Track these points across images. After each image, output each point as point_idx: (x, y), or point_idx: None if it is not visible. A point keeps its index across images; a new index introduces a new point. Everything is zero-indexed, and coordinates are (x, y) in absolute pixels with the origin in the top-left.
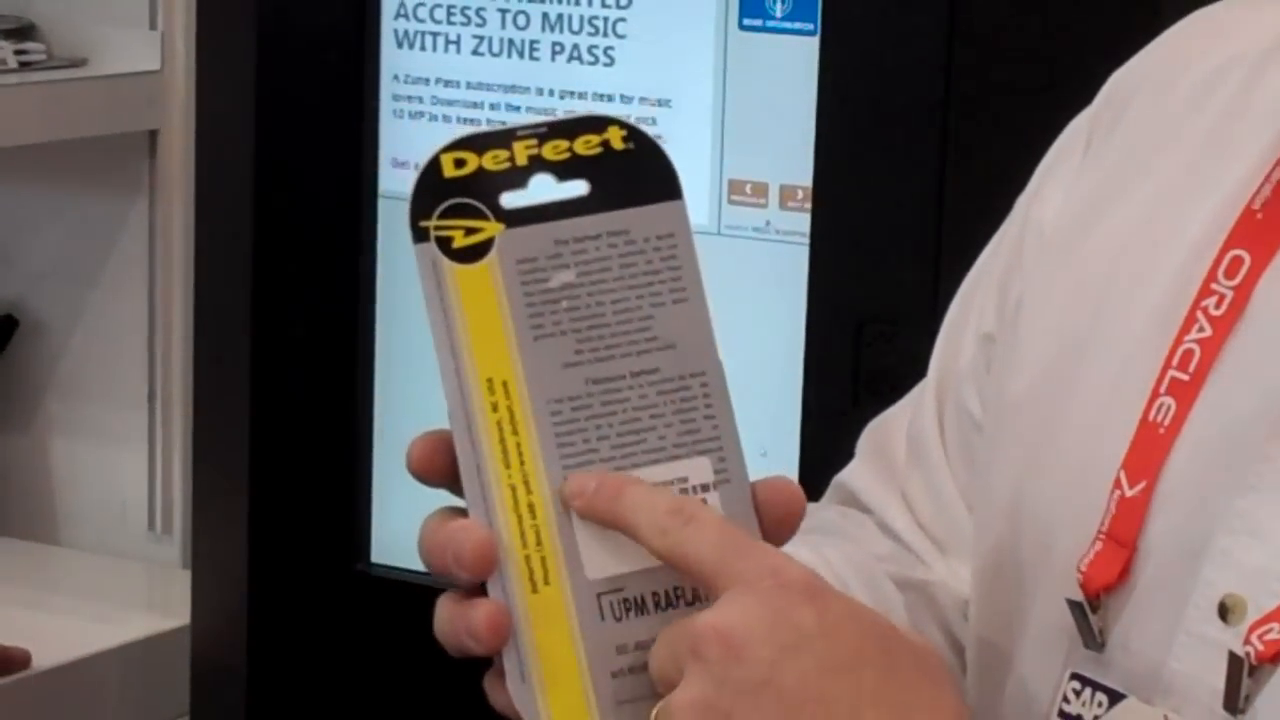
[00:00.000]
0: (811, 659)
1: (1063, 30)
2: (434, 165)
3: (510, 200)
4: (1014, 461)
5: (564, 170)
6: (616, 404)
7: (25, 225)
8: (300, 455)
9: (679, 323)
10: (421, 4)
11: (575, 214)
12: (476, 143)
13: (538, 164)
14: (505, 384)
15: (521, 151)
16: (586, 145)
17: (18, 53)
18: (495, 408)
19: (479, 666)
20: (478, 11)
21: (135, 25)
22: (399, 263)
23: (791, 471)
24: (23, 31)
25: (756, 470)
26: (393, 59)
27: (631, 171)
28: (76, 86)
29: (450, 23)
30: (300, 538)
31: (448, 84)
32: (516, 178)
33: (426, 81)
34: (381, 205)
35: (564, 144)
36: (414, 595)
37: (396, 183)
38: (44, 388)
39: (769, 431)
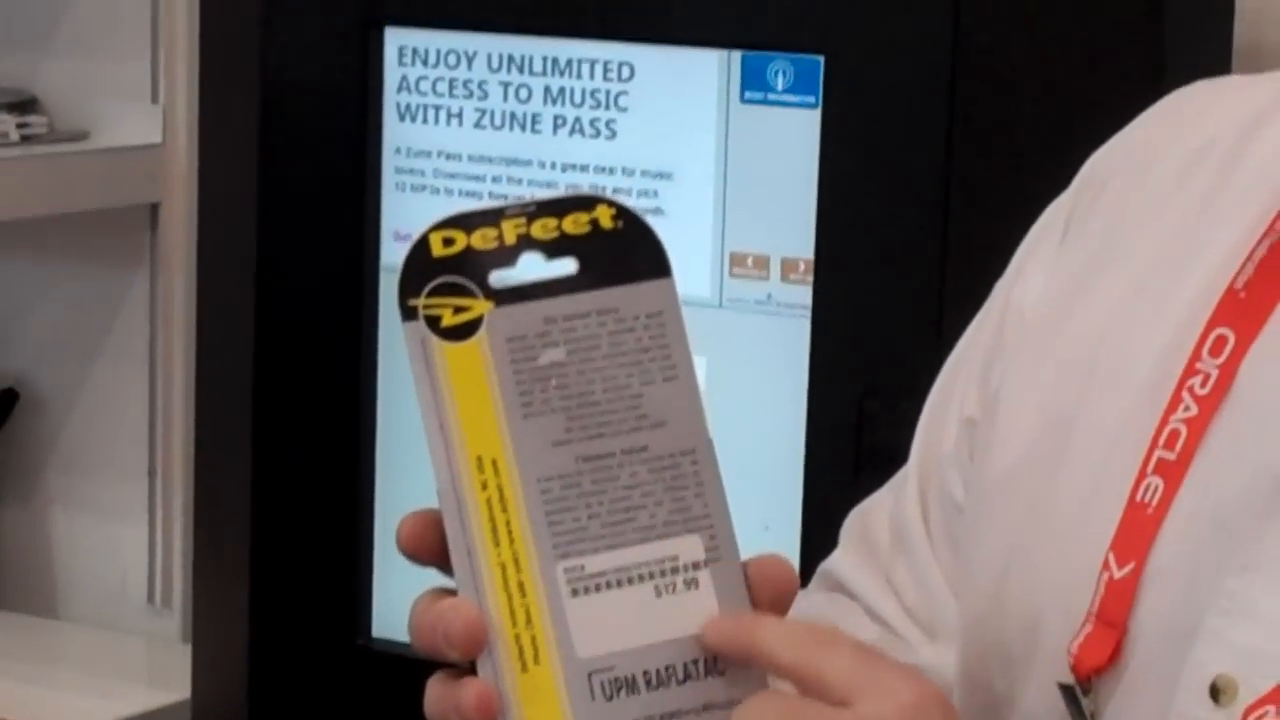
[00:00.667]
0: None
1: (1066, 109)
2: (423, 244)
3: (499, 279)
4: (998, 544)
5: (553, 249)
6: (607, 482)
7: (26, 298)
8: (301, 529)
9: (669, 400)
10: (424, 77)
11: (564, 292)
12: (465, 222)
13: (526, 242)
14: (495, 462)
15: (510, 230)
16: (575, 224)
17: (20, 126)
18: (485, 486)
19: None
20: (479, 85)
21: (137, 99)
22: (401, 337)
23: (794, 545)
24: (25, 105)
25: (759, 544)
26: (395, 132)
27: (620, 250)
28: (78, 160)
29: (452, 96)
30: (301, 612)
31: (450, 157)
32: (505, 256)
33: (429, 154)
34: (384, 278)
35: (553, 222)
36: (416, 671)
37: (399, 256)
38: (44, 461)
39: (771, 505)
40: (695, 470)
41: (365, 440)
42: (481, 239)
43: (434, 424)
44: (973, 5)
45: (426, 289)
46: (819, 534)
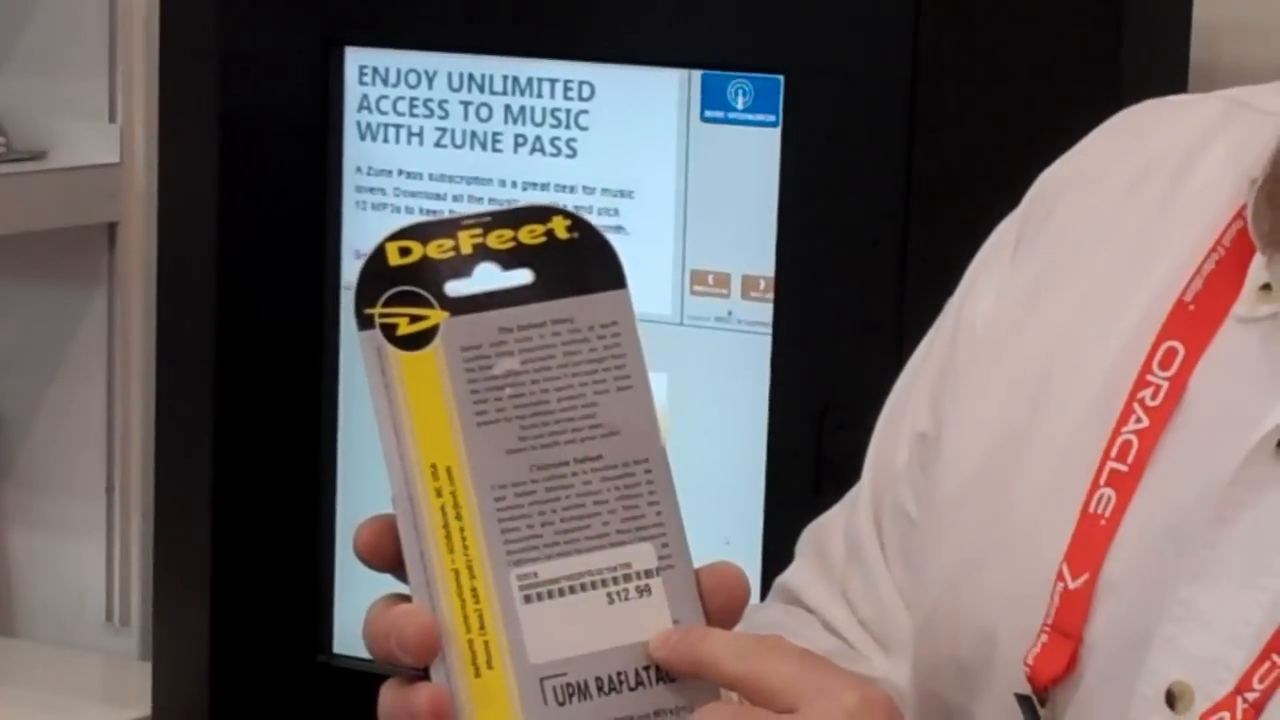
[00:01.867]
0: None
1: (1023, 127)
2: (379, 254)
3: (455, 288)
4: (952, 558)
5: (509, 259)
6: (560, 490)
7: None
8: (261, 546)
9: (623, 410)
10: (384, 96)
11: (519, 302)
12: (421, 232)
13: (483, 253)
14: (449, 470)
15: (466, 240)
16: (531, 234)
17: None
18: (439, 493)
19: None
20: (440, 104)
21: (95, 118)
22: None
23: (754, 559)
24: None
25: (720, 558)
26: (356, 151)
27: (576, 260)
28: (36, 179)
29: (413, 115)
30: (262, 629)
31: (411, 175)
32: (461, 266)
33: (389, 173)
34: (344, 296)
35: (509, 233)
36: (376, 686)
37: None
38: (1, 479)
39: (732, 519)
40: (648, 479)
41: (325, 457)
42: (438, 249)
43: (389, 431)
44: (931, 25)
45: (383, 298)
46: (779, 548)
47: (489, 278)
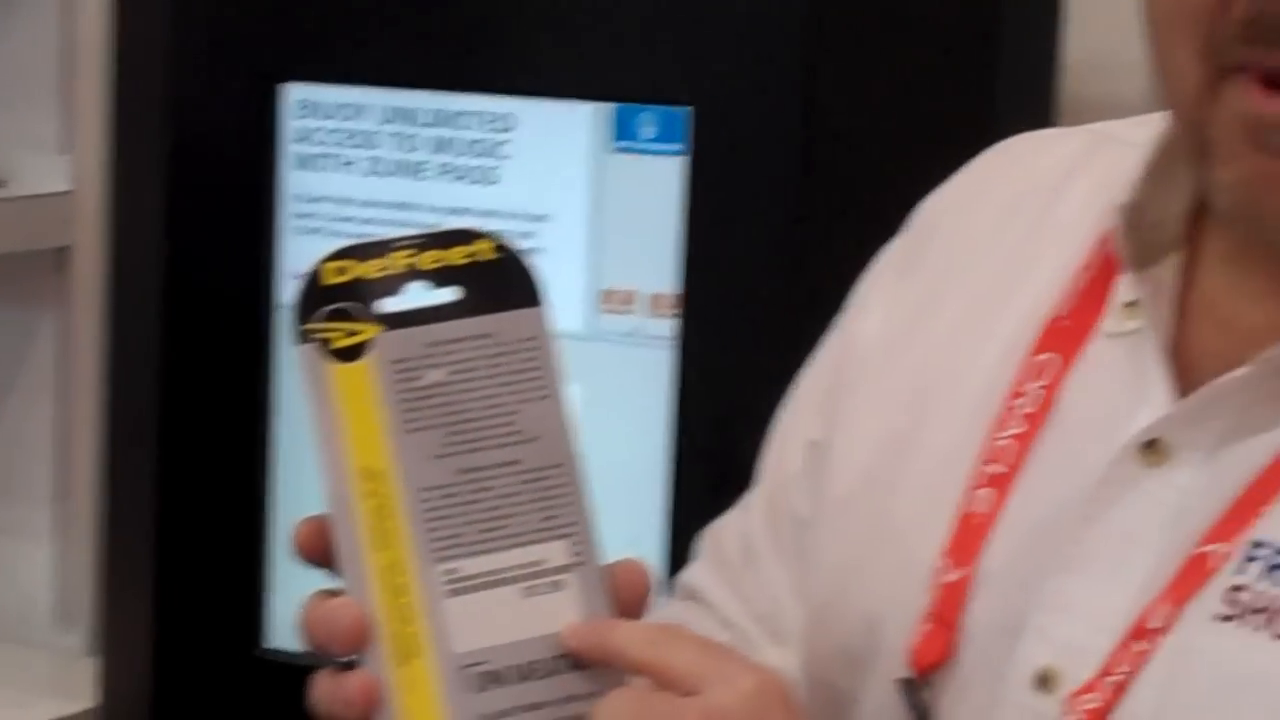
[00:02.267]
0: None
1: (907, 157)
2: (316, 273)
3: (386, 305)
4: (840, 556)
5: (437, 278)
6: (483, 492)
7: None
8: (202, 549)
9: (541, 418)
10: (320, 129)
11: (447, 318)
12: (356, 252)
13: (413, 272)
14: (380, 473)
15: (398, 261)
16: (458, 255)
17: None
18: (370, 495)
19: None
20: (371, 136)
21: (48, 150)
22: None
23: (658, 558)
24: None
25: (626, 556)
26: (293, 180)
27: (499, 280)
28: None
29: (346, 146)
30: (202, 625)
31: (343, 202)
32: (393, 285)
33: (324, 200)
34: (281, 315)
35: (437, 254)
36: (310, 677)
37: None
38: None
39: (637, 521)
40: (564, 482)
41: (263, 463)
42: (371, 269)
43: (324, 437)
44: (824, 64)
45: (319, 315)
46: (681, 547)
47: (418, 295)
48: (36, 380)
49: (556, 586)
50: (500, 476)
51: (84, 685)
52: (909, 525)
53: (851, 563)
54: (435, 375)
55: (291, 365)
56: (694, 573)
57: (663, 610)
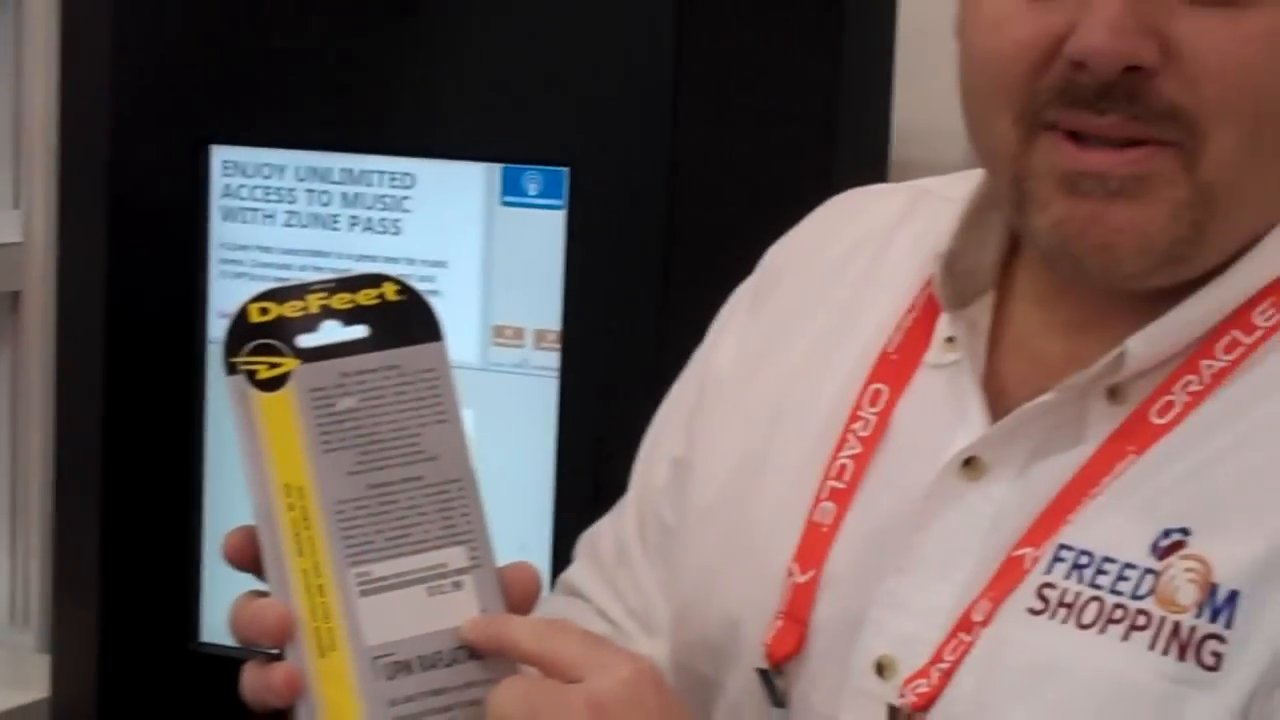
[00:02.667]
0: None
1: (754, 208)
2: (243, 313)
3: (304, 341)
4: (703, 560)
5: (349, 317)
6: (390, 504)
7: None
8: (142, 555)
9: (440, 439)
10: (244, 185)
11: (357, 352)
12: (277, 295)
13: (327, 312)
14: (300, 489)
15: (314, 302)
16: (367, 297)
17: None
18: (292, 507)
19: None
20: (289, 191)
21: (2, 205)
22: (225, 396)
23: (545, 561)
24: None
25: (516, 559)
26: (220, 230)
27: (403, 318)
28: None
29: (267, 200)
30: (142, 624)
31: (264, 250)
32: (310, 323)
33: (247, 248)
34: (211, 350)
35: (349, 296)
36: (239, 668)
37: (223, 331)
38: None
39: (527, 529)
40: (461, 495)
41: (195, 481)
42: (291, 309)
43: (250, 457)
44: (686, 130)
45: (246, 349)
46: (566, 553)
47: (332, 332)
48: None
49: (457, 586)
50: (405, 490)
51: (37, 679)
52: (763, 534)
53: (713, 566)
54: (348, 402)
55: (220, 394)
56: (574, 572)
57: (548, 605)
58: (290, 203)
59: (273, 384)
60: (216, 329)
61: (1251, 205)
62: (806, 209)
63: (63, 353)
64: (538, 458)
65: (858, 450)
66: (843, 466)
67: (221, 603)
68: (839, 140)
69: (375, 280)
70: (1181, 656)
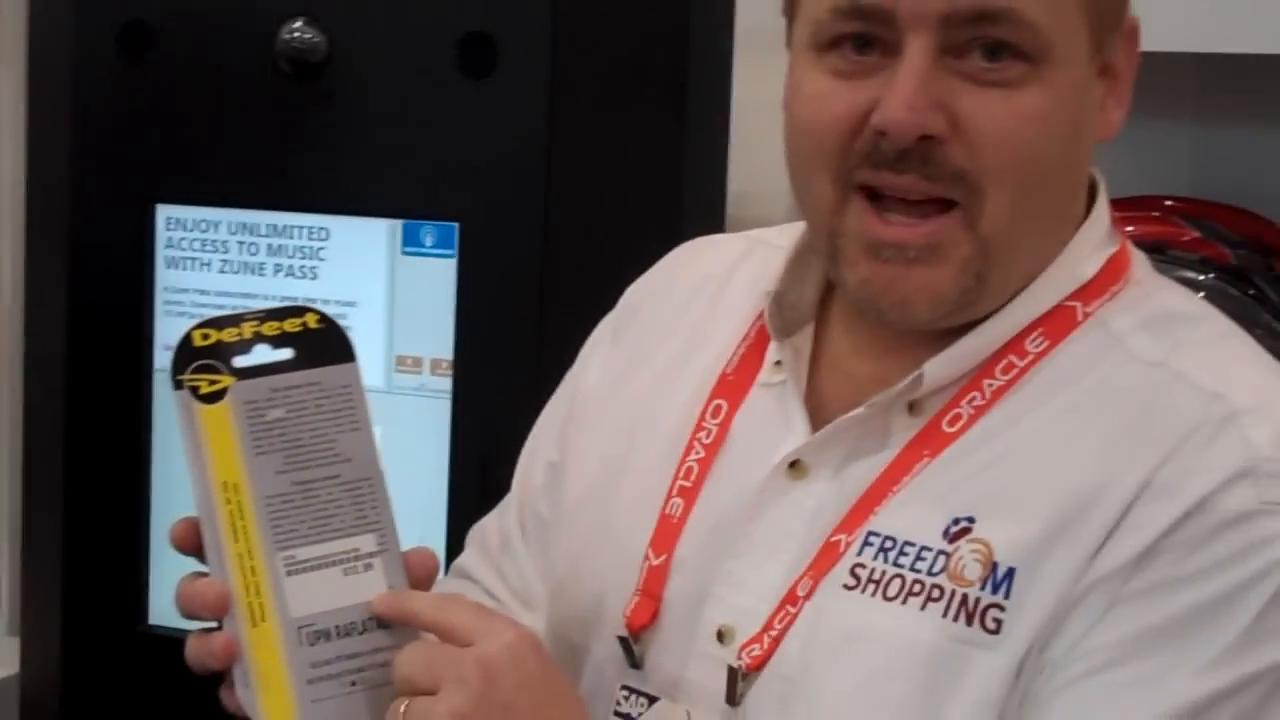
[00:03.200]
0: (540, 690)
1: (614, 253)
2: (187, 338)
3: (240, 361)
4: (573, 547)
5: (277, 341)
6: (312, 498)
7: None
8: (97, 551)
9: (354, 444)
10: (184, 238)
11: (284, 371)
12: (216, 323)
13: (259, 337)
14: (235, 485)
15: (248, 329)
16: (292, 325)
17: None
18: (229, 501)
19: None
20: (222, 243)
21: None
22: (169, 413)
23: (440, 552)
24: None
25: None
26: (164, 276)
27: (322, 343)
28: None
29: (204, 251)
30: (98, 609)
31: (202, 293)
32: (244, 346)
33: (187, 291)
34: (157, 376)
35: (277, 324)
36: (181, 646)
37: (168, 359)
38: None
39: (425, 525)
40: (371, 491)
41: (144, 487)
42: (228, 335)
43: (194, 459)
44: (558, 192)
45: (190, 368)
46: (456, 547)
47: (263, 354)
48: None
49: (368, 567)
50: (325, 487)
51: (7, 657)
52: (623, 525)
53: (582, 552)
54: (276, 413)
55: (164, 411)
56: (465, 559)
57: (443, 586)
58: (224, 253)
59: (213, 397)
60: (162, 359)
61: (1023, 255)
62: (658, 255)
63: (29, 378)
64: (434, 466)
65: (702, 455)
66: (690, 468)
67: (167, 590)
68: (684, 199)
69: (299, 311)
70: (969, 622)
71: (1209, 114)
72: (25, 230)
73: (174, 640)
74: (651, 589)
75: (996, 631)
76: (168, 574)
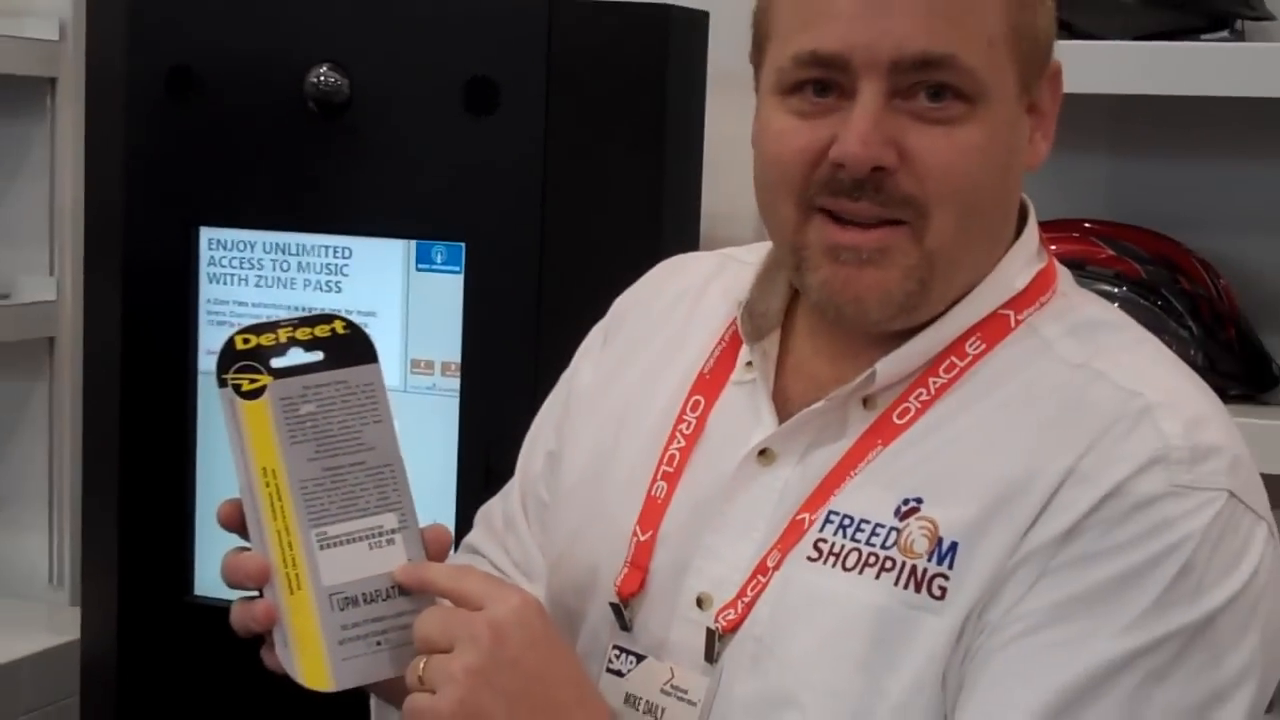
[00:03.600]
0: (543, 649)
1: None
2: (230, 342)
3: (276, 362)
4: (570, 525)
5: (309, 345)
6: (340, 481)
7: None
8: (149, 531)
9: (377, 435)
10: (225, 256)
11: (315, 371)
12: (256, 329)
13: (293, 341)
14: (273, 471)
15: (283, 334)
16: (322, 330)
17: None
18: (268, 485)
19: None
20: (257, 261)
21: (41, 272)
22: (212, 408)
23: (451, 529)
24: None
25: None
26: (207, 290)
27: (348, 346)
28: (1, 310)
29: (241, 267)
30: (150, 581)
31: (241, 304)
32: (280, 350)
33: (228, 303)
34: (200, 377)
35: (308, 330)
36: (223, 614)
37: (210, 364)
38: None
39: (437, 506)
40: (393, 475)
41: (189, 475)
42: (266, 339)
43: (237, 448)
44: (553, 216)
45: (232, 369)
46: (464, 526)
47: (297, 356)
48: (34, 426)
49: (390, 542)
50: (352, 472)
51: (70, 625)
52: (614, 505)
53: (578, 530)
54: (308, 407)
55: (208, 409)
56: (473, 537)
57: (455, 559)
58: (259, 269)
59: (253, 394)
60: (205, 362)
61: (962, 268)
62: (641, 270)
63: (88, 379)
64: (445, 454)
65: (683, 444)
66: (672, 455)
67: (211, 564)
68: (663, 221)
69: (328, 318)
70: (918, 589)
71: (1122, 147)
72: (84, 249)
73: (217, 608)
74: (639, 561)
75: (941, 598)
76: (211, 549)
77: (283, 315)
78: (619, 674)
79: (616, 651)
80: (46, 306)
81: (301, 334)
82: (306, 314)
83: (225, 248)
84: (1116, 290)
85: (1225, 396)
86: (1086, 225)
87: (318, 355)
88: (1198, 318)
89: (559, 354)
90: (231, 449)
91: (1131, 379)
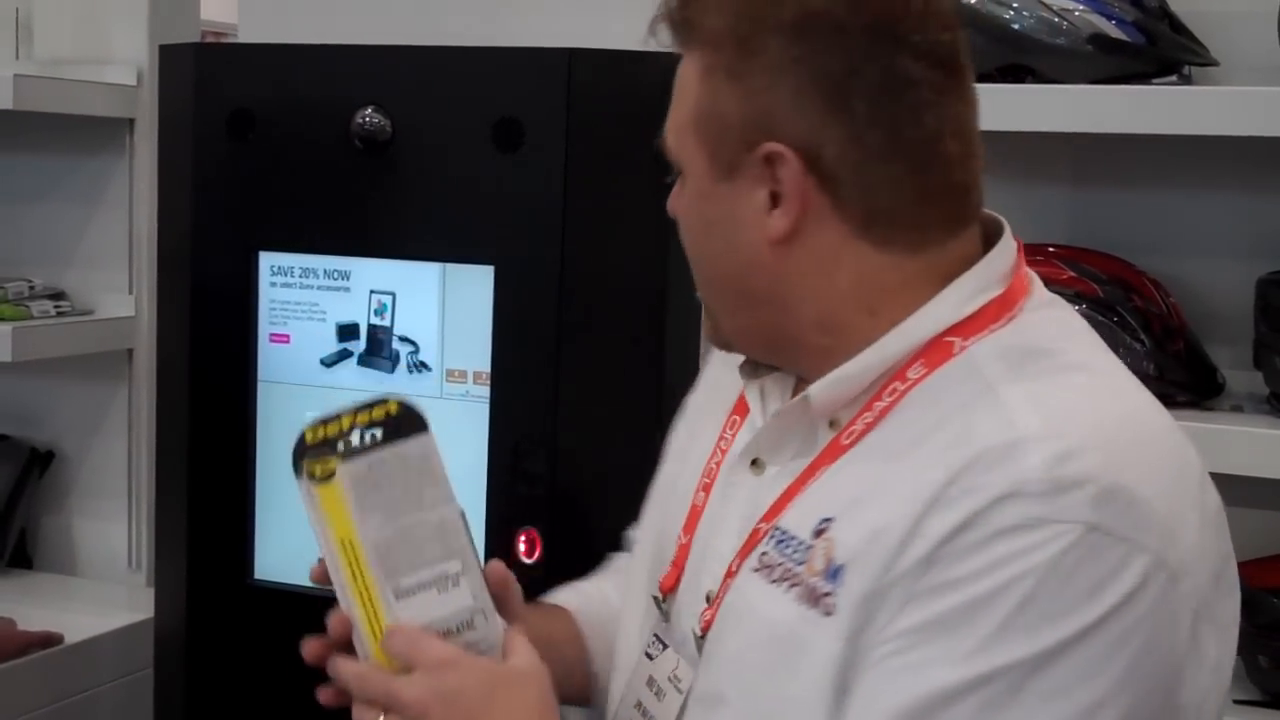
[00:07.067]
0: (519, 705)
1: (624, 292)
2: (301, 438)
3: (343, 445)
4: (654, 524)
5: (368, 426)
6: (409, 539)
7: (51, 399)
8: (215, 522)
9: (435, 494)
10: (286, 282)
11: (376, 449)
12: (322, 421)
13: (354, 426)
14: (350, 541)
15: (345, 422)
16: (378, 413)
17: (56, 307)
18: (345, 552)
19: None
20: (317, 285)
21: (120, 291)
22: (269, 412)
23: (480, 523)
24: (57, 295)
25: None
26: (265, 295)
27: (402, 423)
28: (88, 325)
29: (300, 289)
30: (216, 566)
31: (292, 315)
32: (345, 434)
33: (283, 319)
34: (260, 386)
35: (366, 414)
36: (284, 598)
37: (268, 374)
38: (69, 491)
39: (468, 502)
40: (454, 526)
41: (250, 468)
42: (330, 429)
43: (318, 526)
44: (574, 243)
45: (306, 459)
46: (496, 520)
47: (359, 438)
48: (115, 428)
49: (455, 584)
50: (417, 529)
51: (146, 604)
52: (673, 512)
53: (656, 530)
54: (374, 481)
55: (265, 410)
56: (630, 536)
57: (619, 557)
58: (311, 288)
59: (326, 478)
60: (265, 372)
61: (736, 316)
62: (652, 293)
63: (161, 387)
64: (476, 453)
65: (719, 458)
66: (710, 468)
67: (269, 552)
68: (671, 248)
69: (383, 401)
70: (814, 606)
71: (1082, 180)
72: (158, 270)
73: (274, 591)
74: (679, 561)
75: (830, 614)
76: (269, 539)
77: (332, 334)
78: (650, 658)
79: (652, 638)
80: (126, 322)
81: (361, 419)
82: (363, 401)
83: (287, 274)
84: (1077, 308)
85: (1174, 403)
86: (1050, 249)
87: (378, 434)
88: (1149, 332)
89: (576, 365)
90: (311, 525)
91: (1022, 409)
